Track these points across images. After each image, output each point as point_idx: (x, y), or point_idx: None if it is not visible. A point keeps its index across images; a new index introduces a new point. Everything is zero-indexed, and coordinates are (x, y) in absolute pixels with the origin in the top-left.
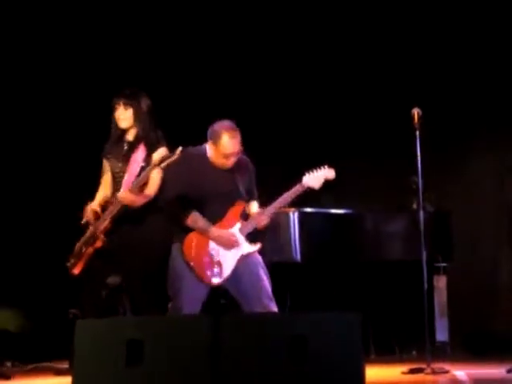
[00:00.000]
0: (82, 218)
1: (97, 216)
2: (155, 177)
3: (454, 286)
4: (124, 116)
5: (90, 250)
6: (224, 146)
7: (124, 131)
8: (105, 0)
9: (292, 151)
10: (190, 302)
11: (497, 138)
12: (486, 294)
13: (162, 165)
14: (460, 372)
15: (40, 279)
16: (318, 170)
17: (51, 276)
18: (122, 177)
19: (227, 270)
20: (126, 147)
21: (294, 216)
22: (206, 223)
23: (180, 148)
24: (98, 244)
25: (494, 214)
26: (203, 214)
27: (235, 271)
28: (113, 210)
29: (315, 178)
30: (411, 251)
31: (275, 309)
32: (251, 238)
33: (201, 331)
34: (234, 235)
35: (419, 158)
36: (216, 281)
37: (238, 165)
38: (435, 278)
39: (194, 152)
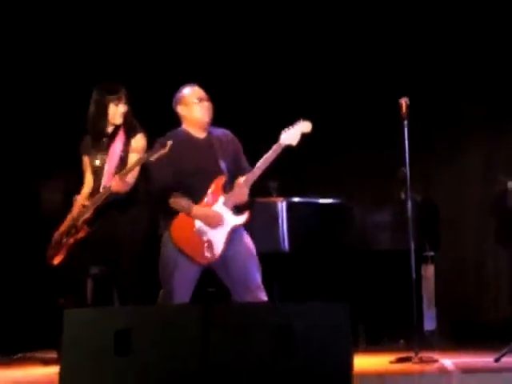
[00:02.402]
0: (69, 215)
1: (82, 209)
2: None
3: (442, 276)
4: (124, 111)
5: (71, 240)
6: (189, 93)
7: (106, 127)
8: None
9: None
10: (181, 288)
11: (485, 128)
12: (473, 283)
13: (152, 158)
14: (448, 361)
15: (27, 268)
16: (294, 125)
17: (38, 265)
18: (103, 168)
19: (218, 247)
20: (105, 140)
21: (282, 205)
22: (187, 203)
23: (170, 142)
24: (81, 234)
25: (481, 204)
26: (187, 192)
27: (226, 253)
28: (98, 200)
29: (292, 135)
30: (399, 241)
31: (265, 298)
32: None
33: (189, 321)
34: (213, 212)
35: (407, 148)
36: (208, 258)
37: (220, 140)
38: (423, 267)
39: (172, 133)
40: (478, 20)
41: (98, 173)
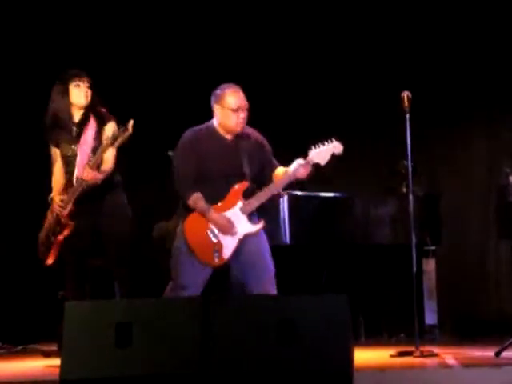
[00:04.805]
0: (50, 214)
1: (61, 204)
2: (109, 154)
3: (443, 270)
4: (87, 93)
5: (60, 238)
6: (229, 99)
7: (71, 114)
8: None
9: (280, 135)
10: (194, 281)
11: (487, 122)
12: (474, 277)
13: (116, 143)
14: (448, 355)
15: (28, 261)
16: (326, 143)
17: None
18: (75, 159)
19: (227, 252)
20: (75, 129)
21: (283, 199)
22: (205, 205)
23: (132, 121)
24: (67, 230)
25: (483, 198)
26: (207, 192)
27: (239, 251)
28: (75, 191)
29: (322, 154)
30: (400, 234)
31: (274, 291)
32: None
33: (190, 313)
34: (227, 220)
35: (409, 142)
36: (216, 262)
37: (250, 144)
38: (424, 261)
39: (200, 128)
40: (480, 11)
41: (69, 163)
